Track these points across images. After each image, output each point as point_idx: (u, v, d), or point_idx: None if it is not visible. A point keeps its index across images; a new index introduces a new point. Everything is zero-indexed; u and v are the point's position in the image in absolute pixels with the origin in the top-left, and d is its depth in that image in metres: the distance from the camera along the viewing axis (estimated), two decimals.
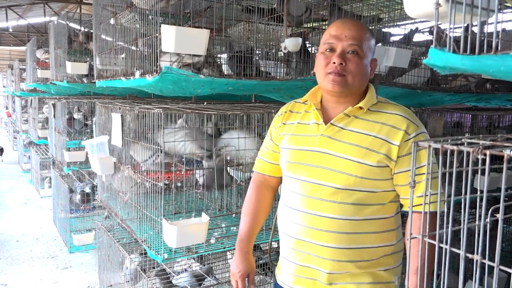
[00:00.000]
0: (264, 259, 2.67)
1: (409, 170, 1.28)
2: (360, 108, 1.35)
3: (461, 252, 0.72)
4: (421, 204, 0.81)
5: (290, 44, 2.41)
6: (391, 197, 1.35)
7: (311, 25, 3.15)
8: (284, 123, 1.49)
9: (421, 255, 0.85)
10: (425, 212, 0.79)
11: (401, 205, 1.39)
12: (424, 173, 1.18)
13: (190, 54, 2.15)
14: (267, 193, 1.61)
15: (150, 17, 2.11)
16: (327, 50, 1.35)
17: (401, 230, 1.42)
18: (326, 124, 1.37)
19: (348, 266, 1.32)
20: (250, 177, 1.68)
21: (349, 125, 1.35)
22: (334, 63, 1.31)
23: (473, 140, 0.74)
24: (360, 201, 1.31)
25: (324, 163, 1.34)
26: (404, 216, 1.53)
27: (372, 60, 1.39)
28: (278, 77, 2.66)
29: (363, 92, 1.40)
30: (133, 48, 2.59)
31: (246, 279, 1.54)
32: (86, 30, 4.54)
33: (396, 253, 1.39)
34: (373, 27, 3.13)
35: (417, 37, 3.32)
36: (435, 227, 0.82)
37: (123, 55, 2.74)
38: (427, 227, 0.80)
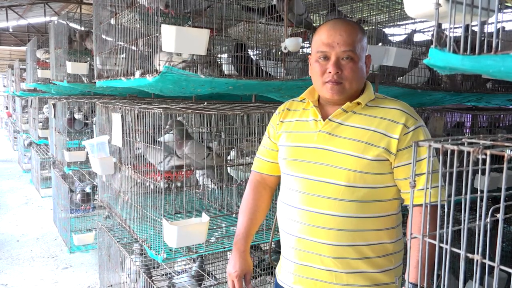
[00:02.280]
0: (266, 259, 2.67)
1: (409, 163, 1.28)
2: (358, 103, 1.35)
3: (462, 252, 0.72)
4: (422, 199, 0.81)
5: (290, 44, 2.41)
6: (392, 193, 1.34)
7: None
8: (282, 121, 1.49)
9: (421, 255, 0.85)
10: (425, 206, 0.79)
11: (402, 201, 1.39)
12: (424, 172, 1.17)
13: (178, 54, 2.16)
14: (265, 193, 1.60)
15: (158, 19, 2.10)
16: (321, 58, 1.34)
17: (401, 229, 1.42)
18: (324, 120, 1.37)
19: (350, 262, 1.32)
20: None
21: (347, 120, 1.35)
22: (330, 72, 1.31)
23: (473, 140, 0.74)
24: (362, 198, 1.30)
25: (323, 160, 1.33)
26: (405, 216, 1.52)
27: (366, 57, 1.39)
28: (278, 77, 2.66)
29: (361, 89, 1.40)
30: (133, 48, 2.59)
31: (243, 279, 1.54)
32: (83, 29, 4.53)
33: (396, 253, 1.38)
34: (372, 27, 3.13)
35: (417, 37, 3.32)
36: (436, 221, 0.81)
37: (123, 55, 2.74)
38: (428, 222, 0.80)
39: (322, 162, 1.33)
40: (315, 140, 1.36)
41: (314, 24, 2.82)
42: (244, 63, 2.40)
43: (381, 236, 1.34)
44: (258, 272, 2.67)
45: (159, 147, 2.26)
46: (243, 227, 1.56)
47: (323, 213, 1.32)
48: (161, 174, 2.16)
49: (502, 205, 0.69)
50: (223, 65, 2.74)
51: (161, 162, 2.30)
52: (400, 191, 1.35)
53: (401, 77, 2.80)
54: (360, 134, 1.31)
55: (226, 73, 2.58)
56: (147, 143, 2.33)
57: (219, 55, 3.60)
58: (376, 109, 1.34)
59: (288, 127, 1.46)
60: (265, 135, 1.58)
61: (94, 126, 3.74)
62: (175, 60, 2.25)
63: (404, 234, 1.46)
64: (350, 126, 1.33)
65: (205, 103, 2.91)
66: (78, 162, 4.44)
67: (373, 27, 3.21)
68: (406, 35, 3.19)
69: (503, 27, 3.16)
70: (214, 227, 2.34)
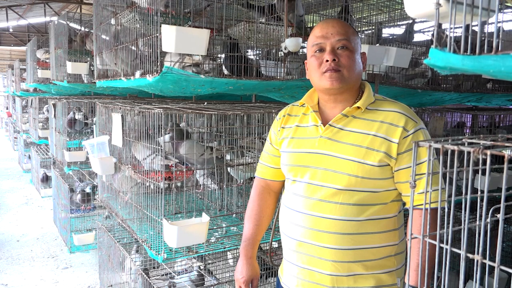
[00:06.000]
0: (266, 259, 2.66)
1: (410, 166, 1.28)
2: (358, 107, 1.35)
3: (462, 252, 0.72)
4: (422, 202, 0.81)
5: (291, 44, 2.41)
6: (392, 196, 1.35)
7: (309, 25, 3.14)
8: (283, 127, 1.49)
9: (421, 255, 0.85)
10: (425, 209, 0.79)
11: (404, 203, 1.38)
12: (424, 173, 1.17)
13: (190, 55, 2.16)
14: (269, 198, 1.61)
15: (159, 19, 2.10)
16: (317, 51, 1.35)
17: (403, 230, 1.42)
18: (324, 125, 1.37)
19: (352, 266, 1.32)
20: (251, 178, 1.69)
21: (348, 125, 1.35)
22: (327, 60, 1.32)
23: (473, 140, 0.74)
24: (362, 201, 1.30)
25: (325, 165, 1.34)
26: (405, 216, 1.52)
27: (362, 54, 1.40)
28: (278, 77, 2.66)
29: (359, 90, 1.40)
30: (134, 48, 2.59)
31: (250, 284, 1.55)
32: (83, 30, 4.54)
33: (399, 254, 1.38)
34: (373, 28, 3.13)
35: (417, 37, 3.31)
36: (436, 223, 0.81)
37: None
38: (428, 224, 0.80)
39: (324, 167, 1.34)
40: (317, 146, 1.36)
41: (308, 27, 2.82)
42: (236, 63, 2.39)
43: (382, 239, 1.34)
44: (261, 273, 2.66)
45: (146, 144, 2.28)
46: (249, 233, 1.57)
47: (325, 217, 1.32)
48: (161, 174, 2.16)
49: (502, 205, 0.69)
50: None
51: (145, 159, 2.32)
52: (400, 194, 1.35)
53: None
54: (360, 139, 1.31)
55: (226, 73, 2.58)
56: (136, 140, 2.36)
57: (219, 55, 3.60)
58: (375, 112, 1.34)
59: (289, 133, 1.46)
60: (267, 141, 1.58)
61: (94, 126, 3.74)
62: (186, 61, 2.25)
63: (406, 235, 1.46)
64: (350, 131, 1.33)
65: (205, 103, 2.91)
66: (78, 162, 4.44)
67: (373, 27, 3.21)
68: (406, 26, 3.15)
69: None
70: (214, 227, 2.34)
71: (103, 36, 3.03)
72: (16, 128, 10.35)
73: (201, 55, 2.21)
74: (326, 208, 1.32)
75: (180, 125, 2.69)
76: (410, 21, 3.14)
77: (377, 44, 2.74)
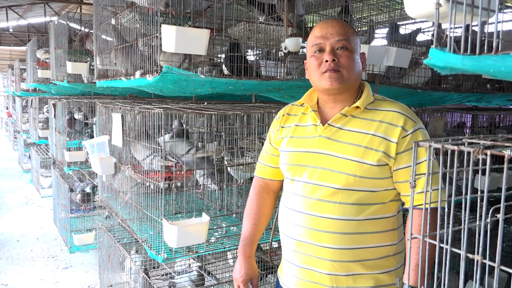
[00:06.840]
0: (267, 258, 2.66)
1: (409, 166, 1.28)
2: (357, 107, 1.35)
3: (462, 252, 0.72)
4: (422, 202, 0.81)
5: (291, 44, 2.41)
6: (391, 196, 1.35)
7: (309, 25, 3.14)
8: (282, 127, 1.49)
9: (421, 255, 0.85)
10: (425, 209, 0.79)
11: (403, 203, 1.38)
12: (424, 173, 1.17)
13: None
14: (268, 198, 1.61)
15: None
16: (316, 51, 1.35)
17: (402, 229, 1.42)
18: (323, 125, 1.37)
19: (351, 266, 1.32)
20: (251, 178, 1.68)
21: (346, 125, 1.35)
22: (326, 61, 1.32)
23: (473, 140, 0.74)
24: (360, 201, 1.30)
25: (323, 164, 1.34)
26: (404, 216, 1.52)
27: (361, 54, 1.40)
28: (278, 77, 2.66)
29: (358, 90, 1.40)
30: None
31: (250, 285, 1.55)
32: (83, 29, 4.55)
33: (397, 254, 1.38)
34: (370, 26, 3.13)
35: (418, 37, 3.31)
36: (436, 223, 0.81)
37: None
38: (428, 224, 0.80)
39: (323, 167, 1.34)
40: (315, 145, 1.36)
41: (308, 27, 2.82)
42: (236, 63, 2.39)
43: (381, 239, 1.34)
44: (259, 272, 2.66)
45: (146, 144, 2.28)
46: (248, 233, 1.57)
47: (324, 217, 1.32)
48: (161, 174, 2.16)
49: (502, 205, 0.69)
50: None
51: (144, 159, 2.32)
52: (399, 194, 1.35)
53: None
54: (359, 139, 1.31)
55: (226, 73, 2.58)
56: (135, 140, 2.36)
57: (219, 55, 3.60)
58: (375, 112, 1.34)
59: (288, 133, 1.46)
60: (266, 141, 1.58)
61: (94, 126, 3.74)
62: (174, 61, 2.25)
63: (405, 235, 1.46)
64: (349, 130, 1.33)
65: (205, 103, 2.91)
66: (78, 162, 4.44)
67: (372, 26, 3.21)
68: (410, 32, 3.15)
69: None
70: (214, 227, 2.34)
71: (104, 36, 3.03)
72: (16, 128, 10.36)
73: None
74: (325, 207, 1.32)
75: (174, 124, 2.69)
76: (416, 27, 3.15)
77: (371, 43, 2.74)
